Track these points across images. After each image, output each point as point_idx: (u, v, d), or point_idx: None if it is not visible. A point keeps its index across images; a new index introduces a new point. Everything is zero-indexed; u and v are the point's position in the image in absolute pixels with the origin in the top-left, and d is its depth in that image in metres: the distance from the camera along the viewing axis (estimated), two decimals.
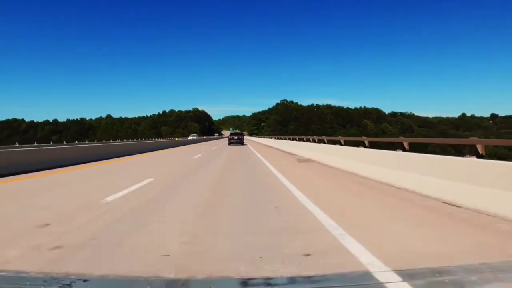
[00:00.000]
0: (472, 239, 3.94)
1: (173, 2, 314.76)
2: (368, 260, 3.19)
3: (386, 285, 2.50)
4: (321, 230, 4.32)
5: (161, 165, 14.79)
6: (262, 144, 45.21)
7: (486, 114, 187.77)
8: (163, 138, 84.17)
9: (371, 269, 2.96)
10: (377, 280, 2.63)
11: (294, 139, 40.36)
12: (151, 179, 9.11)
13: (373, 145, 15.99)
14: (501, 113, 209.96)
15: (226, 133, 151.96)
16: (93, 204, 5.86)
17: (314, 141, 27.76)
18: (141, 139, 71.62)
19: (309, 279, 2.67)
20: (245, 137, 50.89)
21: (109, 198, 6.36)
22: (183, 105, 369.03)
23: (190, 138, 78.18)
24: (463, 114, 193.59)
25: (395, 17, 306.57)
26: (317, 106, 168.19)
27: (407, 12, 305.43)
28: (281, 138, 50.25)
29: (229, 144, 40.05)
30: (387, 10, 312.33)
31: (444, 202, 5.82)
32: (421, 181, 6.80)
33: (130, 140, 66.66)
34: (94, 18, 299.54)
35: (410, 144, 12.99)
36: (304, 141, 30.93)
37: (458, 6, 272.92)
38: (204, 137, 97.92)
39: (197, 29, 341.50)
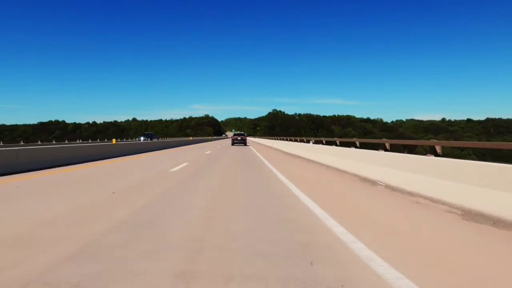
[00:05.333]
0: None
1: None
2: None
3: None
4: None
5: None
6: (265, 145, 42.40)
7: (466, 118, 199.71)
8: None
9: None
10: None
11: (285, 139, 38.22)
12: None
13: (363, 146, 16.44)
14: (481, 117, 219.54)
15: (229, 134, 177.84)
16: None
17: (308, 141, 28.45)
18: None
19: None
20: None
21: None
22: (187, 104, 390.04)
23: (142, 139, 49.03)
24: (443, 119, 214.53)
25: (395, 20, 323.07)
26: (299, 114, 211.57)
27: (406, 14, 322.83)
28: (269, 138, 58.75)
29: (232, 144, 40.89)
30: (388, 15, 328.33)
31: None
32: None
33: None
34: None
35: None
36: (298, 141, 30.21)
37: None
38: (215, 137, 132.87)
39: (198, 31, 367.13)
